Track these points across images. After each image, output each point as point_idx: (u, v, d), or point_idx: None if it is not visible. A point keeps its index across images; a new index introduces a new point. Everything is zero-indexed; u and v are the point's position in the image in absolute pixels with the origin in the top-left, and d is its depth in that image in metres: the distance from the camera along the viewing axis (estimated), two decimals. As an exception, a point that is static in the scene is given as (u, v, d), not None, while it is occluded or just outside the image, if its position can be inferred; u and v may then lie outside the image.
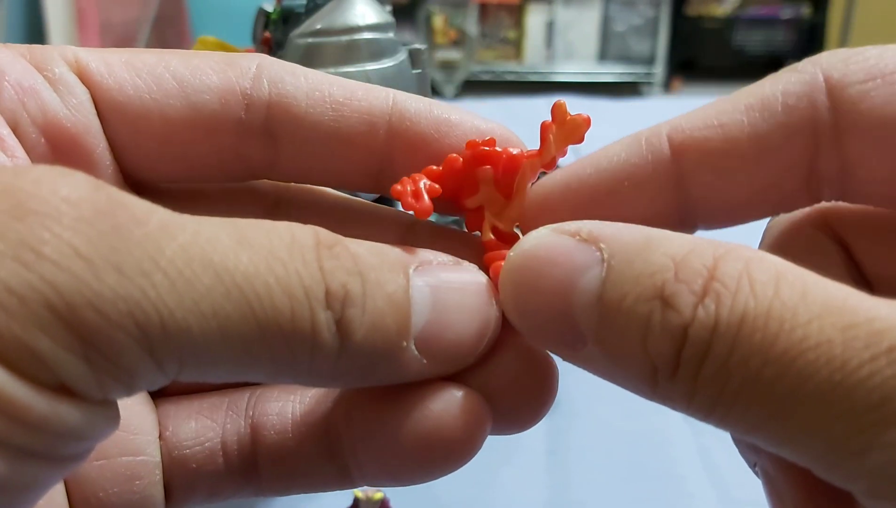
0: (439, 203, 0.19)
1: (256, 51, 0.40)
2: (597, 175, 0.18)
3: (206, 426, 0.20)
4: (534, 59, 2.91)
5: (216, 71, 0.19)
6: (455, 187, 0.19)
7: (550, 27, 2.87)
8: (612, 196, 0.17)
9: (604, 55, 2.91)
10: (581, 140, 0.19)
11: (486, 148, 0.19)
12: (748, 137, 0.16)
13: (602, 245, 0.15)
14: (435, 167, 0.19)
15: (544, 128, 0.19)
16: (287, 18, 0.38)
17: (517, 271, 0.17)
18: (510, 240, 0.19)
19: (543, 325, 0.16)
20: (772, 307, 0.14)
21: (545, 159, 0.19)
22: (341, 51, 0.37)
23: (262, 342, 0.15)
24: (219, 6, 2.15)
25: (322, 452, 0.19)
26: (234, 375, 0.15)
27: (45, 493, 0.15)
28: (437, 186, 0.18)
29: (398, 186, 0.18)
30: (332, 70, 0.37)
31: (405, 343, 0.16)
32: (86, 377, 0.14)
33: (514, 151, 0.19)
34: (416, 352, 0.17)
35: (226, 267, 0.14)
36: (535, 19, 2.87)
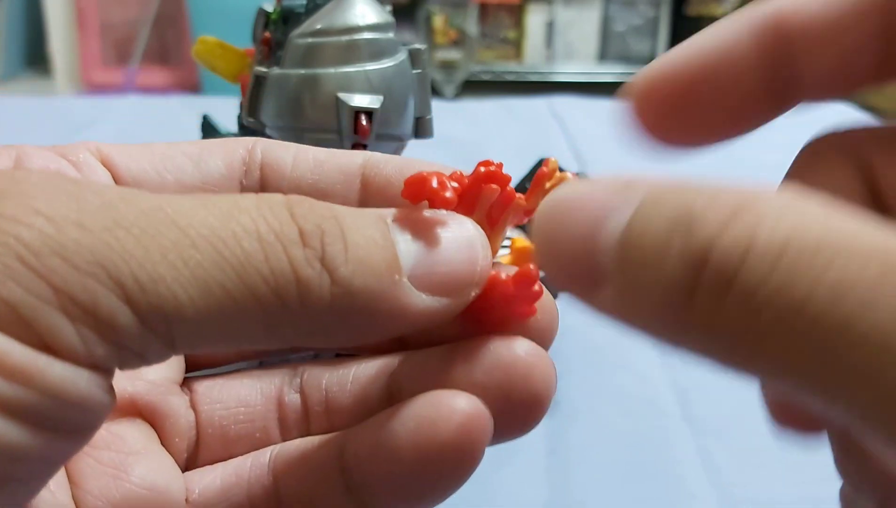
0: None
1: (256, 51, 0.40)
2: (704, 54, 0.17)
3: (231, 483, 0.20)
4: (534, 59, 2.91)
5: (218, 146, 0.21)
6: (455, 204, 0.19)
7: (550, 27, 2.87)
8: (718, 73, 0.17)
9: (604, 55, 2.90)
10: None
11: (495, 169, 0.19)
12: (853, 9, 0.16)
13: (638, 190, 0.14)
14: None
15: (539, 176, 0.19)
16: (287, 18, 0.38)
17: (548, 214, 0.16)
18: None
19: (566, 265, 0.15)
20: (827, 232, 0.12)
21: (530, 207, 0.20)
22: (341, 51, 0.37)
23: (243, 288, 0.15)
24: (219, 6, 2.15)
25: (342, 492, 0.18)
26: (230, 333, 0.15)
27: (36, 482, 0.14)
28: (456, 184, 0.18)
29: (422, 173, 0.18)
30: (332, 70, 0.37)
31: (397, 277, 0.16)
32: (65, 328, 0.13)
33: (511, 188, 0.19)
34: (414, 288, 0.17)
35: (189, 223, 0.15)
36: (535, 19, 2.87)
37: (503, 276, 0.18)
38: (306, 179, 0.21)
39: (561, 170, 0.20)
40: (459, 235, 0.18)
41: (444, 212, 0.18)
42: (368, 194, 0.21)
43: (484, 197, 0.19)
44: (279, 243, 0.15)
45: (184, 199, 0.15)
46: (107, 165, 0.20)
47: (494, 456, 0.43)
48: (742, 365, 0.13)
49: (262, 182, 0.21)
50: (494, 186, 0.19)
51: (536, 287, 0.18)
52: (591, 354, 0.51)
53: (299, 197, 0.16)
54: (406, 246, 0.17)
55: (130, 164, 0.20)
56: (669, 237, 0.13)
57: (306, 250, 0.15)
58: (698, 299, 0.13)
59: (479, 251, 0.18)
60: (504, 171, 0.19)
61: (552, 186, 0.19)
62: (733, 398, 0.47)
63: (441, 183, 0.18)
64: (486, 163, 0.19)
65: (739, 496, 0.40)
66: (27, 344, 0.13)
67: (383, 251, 0.16)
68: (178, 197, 0.15)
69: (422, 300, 0.17)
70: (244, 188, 0.21)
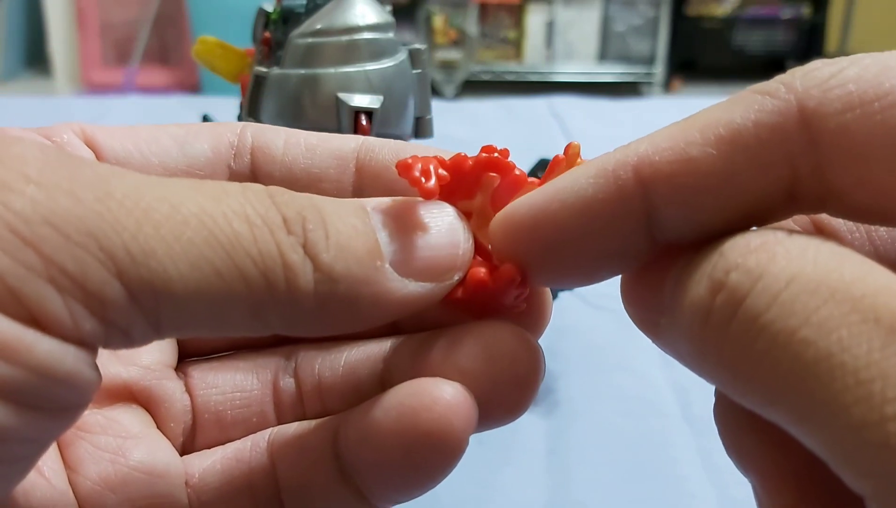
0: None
1: (256, 51, 0.40)
2: (563, 211, 0.17)
3: (232, 466, 0.20)
4: (534, 59, 2.91)
5: (206, 129, 0.21)
6: (454, 187, 0.18)
7: (550, 27, 2.87)
8: (578, 231, 0.17)
9: (604, 55, 2.90)
10: None
11: (499, 156, 0.18)
12: (719, 173, 0.15)
13: None
14: (445, 159, 0.18)
15: (556, 162, 0.19)
16: (287, 18, 0.38)
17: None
18: (486, 256, 0.19)
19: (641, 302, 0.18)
20: (828, 275, 0.13)
21: None
22: (341, 51, 0.37)
23: (232, 268, 0.15)
24: (219, 6, 2.15)
25: (336, 477, 0.18)
26: (217, 315, 0.15)
27: (23, 463, 0.14)
28: (445, 173, 0.18)
29: (408, 160, 0.18)
30: (332, 70, 0.37)
31: (379, 263, 0.16)
32: (54, 301, 0.13)
33: (520, 172, 0.19)
34: (396, 273, 0.17)
35: (181, 200, 0.15)
36: (535, 19, 2.87)
37: (482, 272, 0.18)
38: (298, 163, 0.21)
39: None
40: (441, 221, 0.18)
41: (424, 200, 0.18)
42: (363, 180, 0.20)
43: (484, 185, 0.19)
44: (266, 227, 0.15)
45: (173, 180, 0.15)
46: (90, 145, 0.20)
47: (494, 456, 0.43)
48: (742, 393, 0.14)
49: (252, 166, 0.21)
50: (494, 174, 0.18)
51: (519, 285, 0.18)
52: (591, 354, 0.51)
53: (279, 188, 0.16)
54: (387, 233, 0.17)
55: (115, 144, 0.20)
56: (706, 267, 0.15)
57: (290, 238, 0.15)
58: (712, 319, 0.14)
59: (461, 236, 0.18)
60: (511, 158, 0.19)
61: None
62: (733, 398, 0.47)
63: (425, 171, 0.18)
64: (489, 149, 0.19)
65: (739, 496, 0.40)
66: (14, 318, 0.13)
67: (364, 238, 0.16)
68: (167, 179, 0.15)
69: (404, 286, 0.17)
70: (233, 172, 0.21)
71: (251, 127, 0.21)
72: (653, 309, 0.16)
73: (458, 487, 0.40)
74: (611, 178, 0.16)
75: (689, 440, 0.44)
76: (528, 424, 0.44)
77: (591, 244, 0.17)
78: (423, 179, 0.17)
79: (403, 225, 0.17)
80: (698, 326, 0.14)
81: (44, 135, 0.20)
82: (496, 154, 0.18)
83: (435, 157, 0.18)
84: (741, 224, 0.16)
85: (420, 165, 0.18)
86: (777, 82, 0.15)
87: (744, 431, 0.17)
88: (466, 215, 0.19)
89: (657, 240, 0.16)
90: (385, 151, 0.20)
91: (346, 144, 0.21)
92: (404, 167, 0.18)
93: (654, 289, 0.16)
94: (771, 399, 0.13)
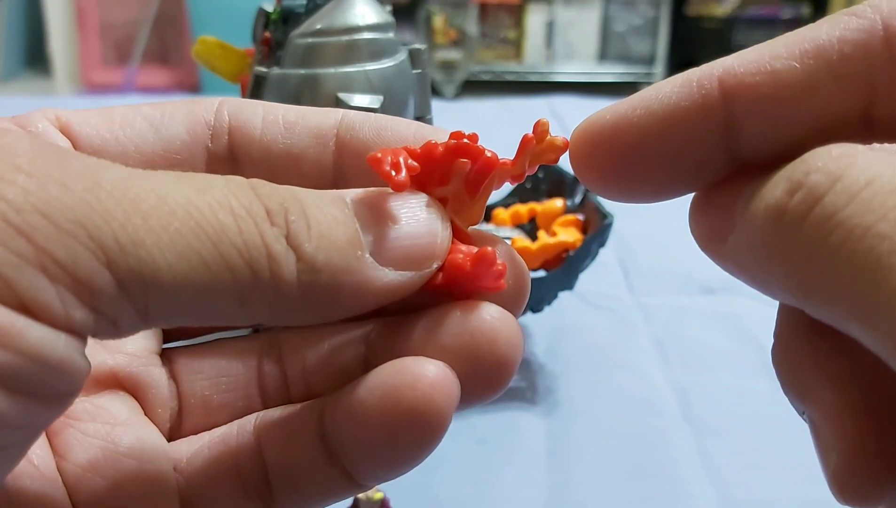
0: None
1: (256, 51, 0.40)
2: (647, 117, 0.17)
3: (219, 450, 0.20)
4: (534, 59, 2.91)
5: (182, 109, 0.21)
6: (427, 174, 0.19)
7: (550, 27, 2.87)
8: (661, 138, 0.17)
9: (604, 55, 2.90)
10: (555, 161, 0.19)
11: (469, 142, 0.19)
12: (801, 86, 0.16)
13: None
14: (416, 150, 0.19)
15: (525, 141, 0.19)
16: (287, 18, 0.38)
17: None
18: (464, 238, 0.19)
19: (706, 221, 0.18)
20: None
21: (516, 171, 0.19)
22: (341, 51, 0.37)
23: (219, 258, 0.15)
24: (219, 6, 2.15)
25: (323, 458, 0.19)
26: (203, 305, 0.15)
27: (14, 449, 0.14)
28: (416, 164, 0.18)
29: (377, 154, 0.18)
30: (332, 70, 0.37)
31: (360, 253, 0.17)
32: (45, 289, 0.13)
33: (491, 154, 0.19)
34: (377, 262, 0.17)
35: (167, 191, 0.15)
36: (535, 19, 2.87)
37: (460, 257, 0.18)
38: (277, 143, 0.21)
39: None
40: (418, 211, 0.18)
41: (402, 190, 0.18)
42: (344, 158, 0.20)
43: (456, 171, 0.19)
44: (250, 218, 0.16)
45: (158, 172, 0.16)
46: (66, 133, 0.20)
47: (494, 456, 0.43)
48: (808, 294, 0.14)
49: (230, 147, 0.21)
50: (465, 160, 0.19)
51: (499, 267, 0.18)
52: (591, 354, 0.51)
53: (260, 180, 0.17)
54: (366, 223, 0.17)
55: (90, 132, 0.20)
56: (785, 172, 0.15)
57: (273, 229, 0.16)
58: (786, 217, 0.15)
59: (439, 224, 0.18)
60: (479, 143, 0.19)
61: (543, 150, 0.19)
62: (733, 398, 0.47)
63: (394, 164, 0.18)
64: (458, 135, 0.19)
65: (739, 496, 0.40)
66: (6, 305, 0.13)
67: (344, 228, 0.17)
68: (152, 171, 0.16)
69: (385, 275, 0.17)
70: (211, 153, 0.21)
71: (227, 103, 0.21)
72: (721, 227, 0.17)
73: (458, 487, 0.40)
74: (695, 87, 0.17)
75: (688, 441, 0.44)
76: (528, 424, 0.44)
77: (671, 153, 0.17)
78: (393, 173, 0.18)
79: (382, 216, 0.18)
80: (771, 226, 0.15)
81: (18, 124, 0.20)
82: (465, 140, 0.19)
83: (404, 148, 0.18)
84: (817, 145, 0.16)
85: (390, 159, 0.18)
86: (865, 4, 0.16)
87: (806, 365, 0.17)
88: (442, 201, 0.19)
89: (734, 157, 0.17)
90: (366, 128, 0.20)
91: (326, 121, 0.21)
92: (374, 161, 0.18)
93: (725, 207, 0.17)
94: (839, 296, 0.14)
